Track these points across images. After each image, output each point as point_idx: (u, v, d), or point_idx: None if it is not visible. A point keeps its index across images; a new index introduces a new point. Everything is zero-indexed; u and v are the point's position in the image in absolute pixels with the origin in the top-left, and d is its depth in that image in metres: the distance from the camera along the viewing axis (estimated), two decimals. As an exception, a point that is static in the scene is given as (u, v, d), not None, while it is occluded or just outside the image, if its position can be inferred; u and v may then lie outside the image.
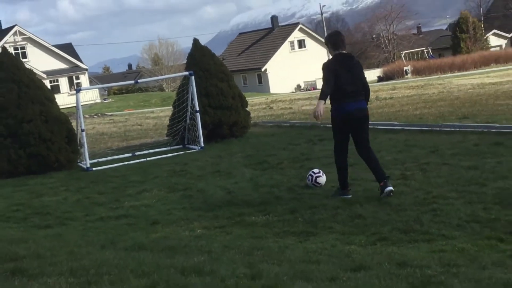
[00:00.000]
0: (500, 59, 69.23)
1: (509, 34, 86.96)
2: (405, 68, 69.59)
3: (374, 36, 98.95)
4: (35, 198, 12.32)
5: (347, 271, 5.20)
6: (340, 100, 8.86)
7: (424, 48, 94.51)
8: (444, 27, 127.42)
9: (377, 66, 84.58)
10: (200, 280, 4.76)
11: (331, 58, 9.13)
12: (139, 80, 28.08)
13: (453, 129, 14.92)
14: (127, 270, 5.11)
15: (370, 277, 4.94)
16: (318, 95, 9.05)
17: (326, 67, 8.95)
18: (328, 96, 8.85)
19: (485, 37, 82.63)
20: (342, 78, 8.75)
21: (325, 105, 8.74)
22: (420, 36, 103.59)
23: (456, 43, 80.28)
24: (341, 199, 9.12)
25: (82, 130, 16.52)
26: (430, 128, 15.45)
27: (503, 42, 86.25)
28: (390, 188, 8.83)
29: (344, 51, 9.09)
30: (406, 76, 65.60)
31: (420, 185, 9.54)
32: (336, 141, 9.26)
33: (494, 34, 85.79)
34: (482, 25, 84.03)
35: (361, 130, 9.09)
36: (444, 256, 6.03)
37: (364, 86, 9.15)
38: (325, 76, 8.87)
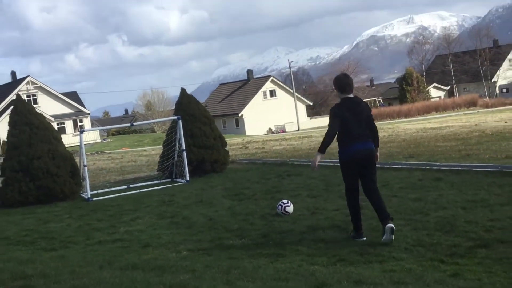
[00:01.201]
0: (439, 107, 70.39)
1: (447, 87, 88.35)
2: (360, 114, 70.21)
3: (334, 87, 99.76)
4: (42, 225, 12.18)
5: (311, 288, 5.17)
6: (346, 143, 7.76)
7: (376, 98, 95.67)
8: (393, 81, 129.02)
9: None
10: (185, 296, 4.72)
11: (338, 103, 7.98)
12: (134, 123, 28.09)
13: (400, 166, 15.01)
14: (122, 287, 5.04)
15: (331, 293, 4.92)
16: (319, 145, 8.07)
17: (333, 113, 7.87)
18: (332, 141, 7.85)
19: (426, 89, 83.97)
20: (348, 122, 7.69)
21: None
22: (373, 88, 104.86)
23: (403, 94, 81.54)
24: (307, 226, 9.10)
25: (84, 166, 16.49)
26: (381, 165, 15.50)
27: (441, 93, 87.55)
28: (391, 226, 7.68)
29: (351, 95, 7.97)
30: (361, 122, 66.06)
31: (373, 214, 9.49)
32: (346, 184, 8.07)
33: (434, 87, 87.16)
34: (424, 79, 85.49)
35: (367, 170, 7.89)
36: (394, 275, 6.02)
37: (371, 128, 8.02)
38: (330, 123, 7.87)
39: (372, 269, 6.49)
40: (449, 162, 14.85)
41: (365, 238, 7.89)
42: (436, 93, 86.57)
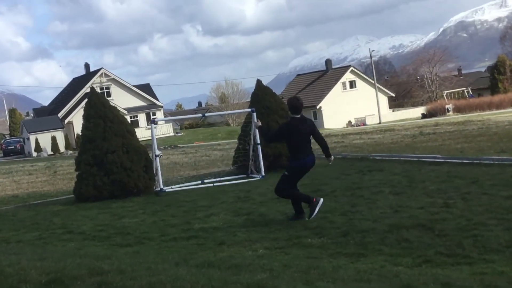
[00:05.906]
0: (536, 99, 67.76)
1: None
2: (446, 106, 68.81)
3: (418, 77, 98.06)
4: (117, 220, 12.55)
5: (395, 290, 5.14)
6: (296, 155, 10.03)
7: (464, 88, 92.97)
8: (483, 69, 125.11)
9: (421, 104, 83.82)
10: (263, 295, 4.77)
11: (287, 121, 10.43)
12: (206, 114, 28.50)
13: (492, 162, 14.63)
14: (199, 285, 5.11)
15: (416, 296, 4.87)
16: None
17: (280, 127, 10.74)
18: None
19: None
20: (294, 138, 9.96)
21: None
22: (461, 77, 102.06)
23: (494, 83, 79.05)
24: (389, 224, 9.03)
25: (156, 156, 16.75)
26: (470, 161, 15.19)
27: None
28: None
29: (298, 116, 10.03)
30: (447, 114, 64.77)
31: (462, 213, 9.37)
32: (283, 185, 10.25)
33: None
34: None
35: (303, 175, 10.42)
36: (485, 278, 5.90)
37: (318, 139, 10.29)
38: (277, 130, 10.85)
39: (461, 271, 6.38)
40: (546, 158, 14.36)
41: (318, 206, 10.08)
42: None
